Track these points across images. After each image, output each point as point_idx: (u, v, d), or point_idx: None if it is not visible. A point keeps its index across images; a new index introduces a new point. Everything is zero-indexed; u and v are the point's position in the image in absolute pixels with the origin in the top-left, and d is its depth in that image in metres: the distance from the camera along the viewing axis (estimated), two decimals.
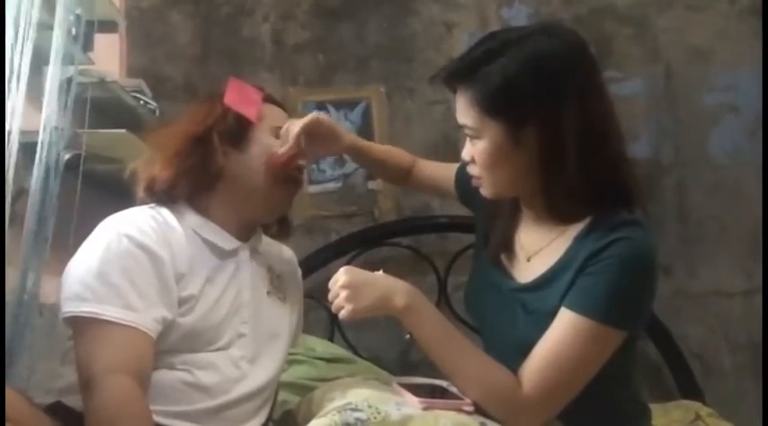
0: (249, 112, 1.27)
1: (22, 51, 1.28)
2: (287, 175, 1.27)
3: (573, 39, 1.13)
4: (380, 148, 1.53)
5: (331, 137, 1.35)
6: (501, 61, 1.10)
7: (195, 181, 1.24)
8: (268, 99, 1.34)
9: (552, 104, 1.08)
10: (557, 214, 1.16)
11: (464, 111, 1.15)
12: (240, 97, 1.29)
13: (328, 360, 1.82)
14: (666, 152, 2.25)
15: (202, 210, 1.26)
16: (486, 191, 1.19)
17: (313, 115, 1.31)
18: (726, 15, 2.28)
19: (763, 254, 2.11)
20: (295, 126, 1.27)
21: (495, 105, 1.10)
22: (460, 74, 1.15)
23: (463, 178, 1.40)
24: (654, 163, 2.22)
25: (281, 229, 1.39)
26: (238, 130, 1.26)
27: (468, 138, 1.17)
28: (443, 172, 1.48)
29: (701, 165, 2.25)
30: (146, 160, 1.26)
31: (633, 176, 1.15)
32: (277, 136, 1.28)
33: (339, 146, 1.38)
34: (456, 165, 1.45)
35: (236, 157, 1.25)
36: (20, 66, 1.27)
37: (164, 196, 1.25)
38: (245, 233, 1.29)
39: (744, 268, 2.21)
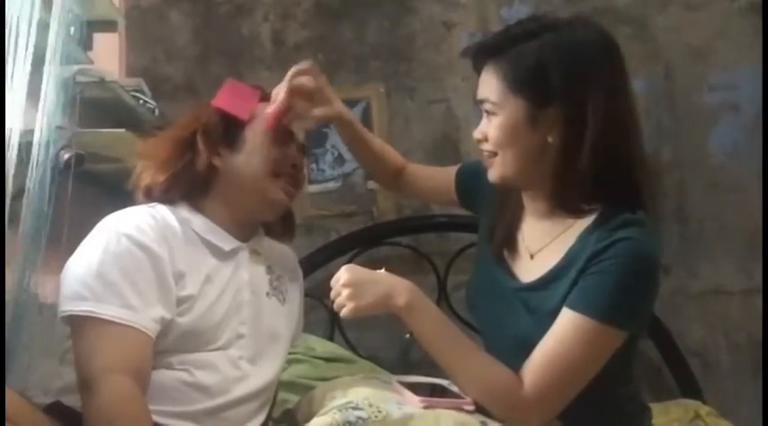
0: (240, 112, 1.26)
1: (22, 51, 1.28)
2: (283, 168, 1.26)
3: (607, 35, 1.16)
4: (373, 137, 1.49)
5: (319, 95, 1.30)
6: (536, 42, 1.12)
7: (188, 183, 1.24)
8: (267, 98, 1.33)
9: (579, 92, 1.10)
10: (563, 205, 1.16)
11: (488, 85, 1.16)
12: (233, 97, 1.28)
13: (328, 360, 1.82)
14: (666, 151, 2.25)
15: (201, 210, 1.26)
16: (493, 174, 1.19)
17: (302, 65, 1.28)
18: (725, 14, 2.28)
19: (763, 254, 2.11)
20: (284, 85, 1.26)
21: (522, 82, 1.12)
22: (494, 48, 1.16)
23: (464, 176, 1.41)
24: (654, 162, 2.22)
25: (285, 230, 1.39)
26: (229, 130, 1.26)
27: (484, 115, 1.18)
28: (439, 174, 1.47)
29: (701, 165, 2.25)
30: (141, 168, 1.27)
31: (646, 176, 1.15)
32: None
33: (329, 110, 1.32)
34: (452, 168, 1.45)
35: (231, 157, 1.25)
36: (20, 65, 1.27)
37: (162, 200, 1.25)
38: (245, 233, 1.29)
39: (744, 267, 2.21)
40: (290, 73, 1.26)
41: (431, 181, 1.48)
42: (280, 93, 1.25)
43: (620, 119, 1.12)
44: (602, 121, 1.09)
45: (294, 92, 1.25)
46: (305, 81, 1.27)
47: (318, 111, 1.30)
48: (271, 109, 1.25)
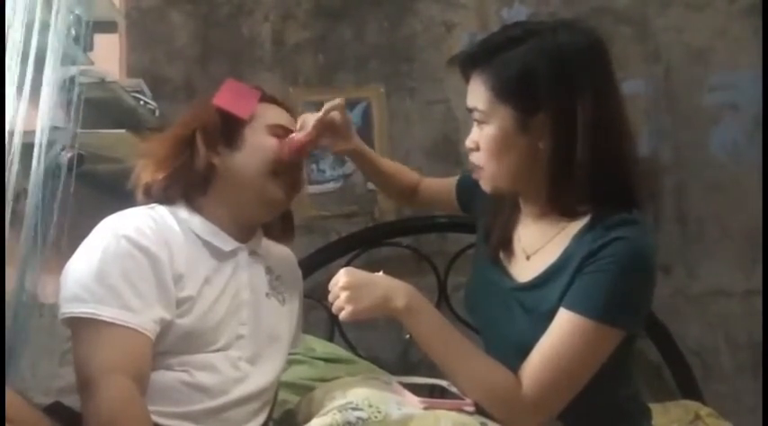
0: (240, 111, 1.27)
1: (22, 51, 1.28)
2: (284, 169, 1.26)
3: (593, 37, 1.15)
4: (387, 161, 1.54)
5: (344, 129, 1.36)
6: (521, 49, 1.11)
7: (187, 181, 1.25)
8: (267, 98, 1.34)
9: (566, 97, 1.10)
10: (558, 208, 1.16)
11: (477, 94, 1.15)
12: (233, 97, 1.29)
13: (328, 360, 1.82)
14: (666, 152, 2.25)
15: (200, 211, 1.26)
16: (486, 183, 1.19)
17: (336, 101, 1.33)
18: (725, 15, 2.28)
19: (763, 254, 2.12)
20: (313, 115, 1.30)
21: (508, 90, 1.12)
22: (479, 57, 1.16)
23: (463, 185, 1.43)
24: (653, 163, 2.22)
25: (284, 231, 1.39)
26: (229, 129, 1.26)
27: (475, 124, 1.18)
28: (445, 185, 1.50)
29: (701, 165, 2.25)
30: (141, 167, 1.27)
31: (637, 176, 1.15)
32: (273, 134, 1.28)
33: (348, 143, 1.39)
34: (455, 178, 1.47)
35: (230, 156, 1.25)
36: (20, 66, 1.27)
37: (161, 198, 1.25)
38: (244, 234, 1.29)
39: (744, 268, 2.21)
40: (325, 107, 1.31)
41: (440, 194, 1.52)
42: (307, 123, 1.29)
43: (609, 121, 1.11)
44: (591, 124, 1.09)
45: (323, 125, 1.29)
46: (335, 116, 1.33)
47: (341, 146, 1.38)
48: (298, 137, 1.27)
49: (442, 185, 1.51)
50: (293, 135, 1.28)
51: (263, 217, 1.32)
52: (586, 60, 1.11)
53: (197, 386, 1.15)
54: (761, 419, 1.55)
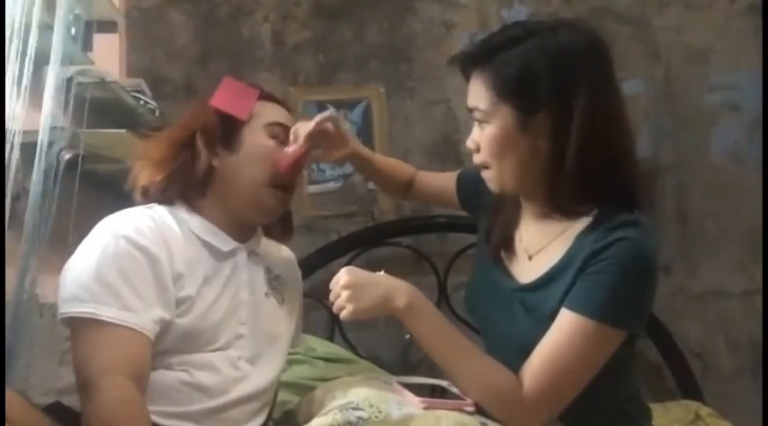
0: (238, 111, 1.26)
1: (22, 51, 1.28)
2: (280, 180, 1.26)
3: (594, 37, 1.15)
4: (384, 159, 1.54)
5: (338, 139, 1.35)
6: (521, 48, 1.12)
7: (185, 183, 1.24)
8: (266, 97, 1.33)
9: (566, 96, 1.10)
10: (557, 208, 1.16)
11: (477, 94, 1.16)
12: (231, 97, 1.28)
13: (328, 360, 1.82)
14: (666, 152, 2.25)
15: (199, 211, 1.26)
16: (492, 183, 1.19)
17: (327, 113, 1.32)
18: (725, 14, 2.28)
19: (763, 254, 2.11)
20: (305, 125, 1.27)
21: (509, 90, 1.12)
22: (480, 56, 1.16)
23: (464, 181, 1.42)
24: (654, 163, 2.22)
25: (283, 232, 1.39)
26: (227, 131, 1.26)
27: (476, 124, 1.18)
28: (443, 180, 1.49)
29: (701, 165, 2.25)
30: (139, 168, 1.27)
31: (638, 177, 1.15)
32: (272, 133, 1.28)
33: (344, 150, 1.37)
34: (454, 174, 1.46)
35: (228, 158, 1.25)
36: (20, 66, 1.27)
37: (159, 199, 1.25)
38: (243, 234, 1.29)
39: (744, 268, 2.21)
40: (316, 119, 1.29)
41: (436, 188, 1.51)
42: (299, 135, 1.26)
43: (609, 121, 1.11)
44: (589, 123, 1.09)
45: (314, 136, 1.27)
46: (328, 128, 1.31)
47: (335, 154, 1.36)
48: (290, 150, 1.26)
49: (440, 179, 1.51)
50: (287, 148, 1.26)
51: (259, 221, 1.32)
52: (586, 60, 1.12)
53: (197, 386, 1.15)
54: (761, 419, 1.55)
